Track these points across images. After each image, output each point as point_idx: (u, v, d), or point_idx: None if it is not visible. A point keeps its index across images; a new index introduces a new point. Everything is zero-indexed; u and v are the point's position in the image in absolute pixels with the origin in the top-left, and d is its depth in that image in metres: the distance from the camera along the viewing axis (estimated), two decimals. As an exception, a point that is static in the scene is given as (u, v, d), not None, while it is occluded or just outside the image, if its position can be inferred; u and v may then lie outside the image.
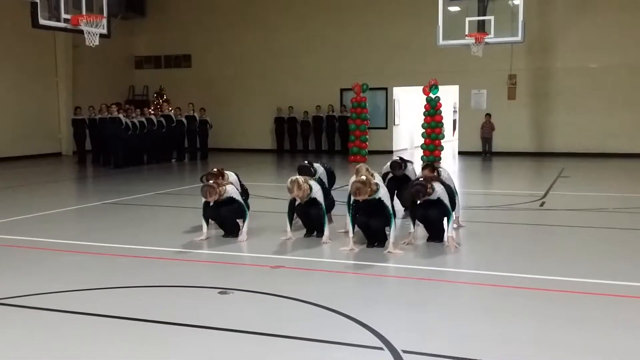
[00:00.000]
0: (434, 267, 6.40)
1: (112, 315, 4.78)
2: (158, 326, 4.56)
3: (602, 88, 19.49)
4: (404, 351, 4.01)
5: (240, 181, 8.39)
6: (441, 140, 18.58)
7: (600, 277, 5.82)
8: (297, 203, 7.41)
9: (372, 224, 6.91)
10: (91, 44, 11.10)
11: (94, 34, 11.06)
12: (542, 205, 10.20)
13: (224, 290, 5.39)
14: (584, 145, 19.66)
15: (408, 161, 9.05)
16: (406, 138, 24.05)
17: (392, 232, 6.83)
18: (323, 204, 7.37)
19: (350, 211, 6.99)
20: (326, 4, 22.24)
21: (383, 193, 6.82)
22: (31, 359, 4.05)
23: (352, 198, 6.83)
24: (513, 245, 7.38)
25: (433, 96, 18.19)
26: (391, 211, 6.83)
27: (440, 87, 18.22)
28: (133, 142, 17.60)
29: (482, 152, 20.23)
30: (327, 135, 22.36)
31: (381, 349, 4.07)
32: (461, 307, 5.10)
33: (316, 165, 8.73)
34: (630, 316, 4.75)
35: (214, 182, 7.44)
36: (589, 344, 4.20)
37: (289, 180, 7.24)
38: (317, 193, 7.34)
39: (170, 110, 20.20)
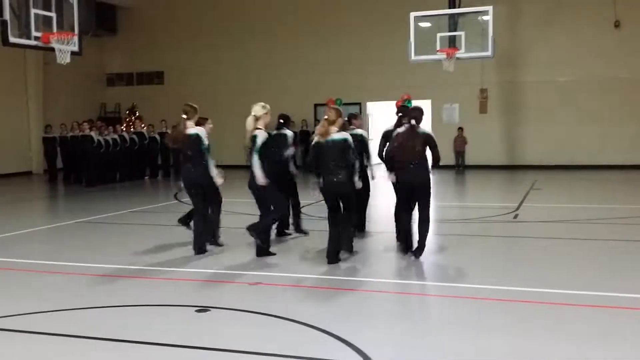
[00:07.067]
0: (410, 280, 6.44)
1: (89, 336, 4.71)
2: (136, 346, 4.50)
3: (570, 101, 19.82)
4: (384, 366, 4.02)
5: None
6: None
7: (575, 287, 5.90)
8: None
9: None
10: (62, 62, 11.00)
11: (65, 52, 10.97)
12: (515, 217, 10.31)
13: (201, 309, 5.35)
14: (555, 157, 19.96)
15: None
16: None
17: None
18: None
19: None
20: (302, 23, 22.35)
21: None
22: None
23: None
24: (488, 258, 7.44)
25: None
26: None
27: (413, 101, 18.31)
28: (105, 160, 17.41)
29: (455, 166, 20.41)
30: (302, 150, 22.40)
31: (361, 364, 4.08)
32: (438, 321, 5.13)
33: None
34: (608, 325, 4.81)
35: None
36: (567, 355, 4.25)
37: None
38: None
39: (143, 127, 20.05)
